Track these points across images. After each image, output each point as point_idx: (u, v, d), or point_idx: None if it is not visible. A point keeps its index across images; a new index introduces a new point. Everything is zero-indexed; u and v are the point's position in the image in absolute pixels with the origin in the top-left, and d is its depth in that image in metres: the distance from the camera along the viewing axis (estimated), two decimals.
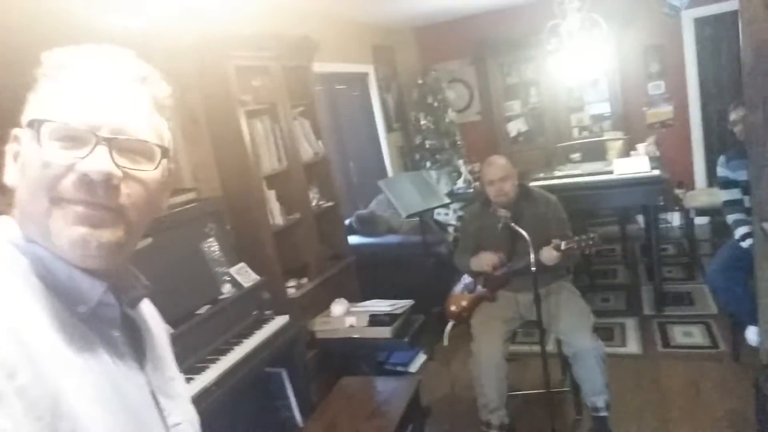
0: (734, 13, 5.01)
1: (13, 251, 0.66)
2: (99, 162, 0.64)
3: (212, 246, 2.67)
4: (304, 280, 3.28)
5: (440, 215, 4.97)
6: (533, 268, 2.45)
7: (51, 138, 0.65)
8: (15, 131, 0.70)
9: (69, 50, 0.70)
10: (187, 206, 2.56)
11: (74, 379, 0.62)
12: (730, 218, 3.19)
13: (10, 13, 2.09)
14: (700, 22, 5.46)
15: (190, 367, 2.13)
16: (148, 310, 0.85)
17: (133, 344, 0.75)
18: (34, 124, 0.65)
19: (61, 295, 0.66)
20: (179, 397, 0.81)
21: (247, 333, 2.48)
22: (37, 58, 0.70)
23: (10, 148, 0.70)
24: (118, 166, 0.66)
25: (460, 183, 5.46)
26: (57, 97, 0.67)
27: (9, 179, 0.69)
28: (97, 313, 0.68)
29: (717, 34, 5.54)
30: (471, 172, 5.47)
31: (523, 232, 2.48)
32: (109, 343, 0.70)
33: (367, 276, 3.79)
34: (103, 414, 0.64)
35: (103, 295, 0.68)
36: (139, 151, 0.69)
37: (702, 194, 4.77)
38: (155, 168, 0.70)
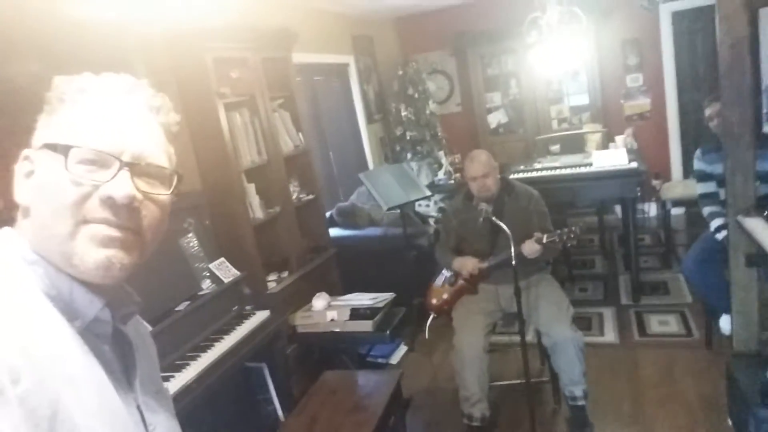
0: (711, 8, 5.06)
1: (20, 264, 0.69)
2: (122, 186, 0.69)
3: (191, 241, 2.64)
4: (285, 274, 3.27)
5: (421, 206, 4.98)
6: (513, 262, 2.47)
7: (76, 161, 0.68)
8: (26, 152, 0.73)
9: (87, 77, 0.74)
10: (170, 201, 2.52)
11: (73, 390, 0.64)
12: (706, 210, 3.25)
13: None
14: (678, 16, 5.53)
15: (170, 365, 2.11)
16: (137, 325, 0.87)
17: (123, 359, 0.78)
18: (59, 148, 0.68)
19: (61, 309, 0.68)
20: (164, 412, 0.84)
21: (227, 329, 2.46)
22: (42, 78, 0.73)
23: (21, 168, 0.73)
24: (138, 189, 0.70)
25: (440, 174, 5.47)
26: (78, 121, 0.71)
27: (21, 197, 0.72)
28: (90, 328, 0.71)
29: (693, 27, 5.61)
30: (452, 164, 5.49)
31: (504, 227, 2.50)
32: (101, 357, 0.72)
33: (348, 269, 3.79)
34: (98, 426, 0.66)
35: (100, 311, 0.72)
36: (155, 175, 0.74)
37: (678, 186, 4.85)
38: (170, 192, 0.76)
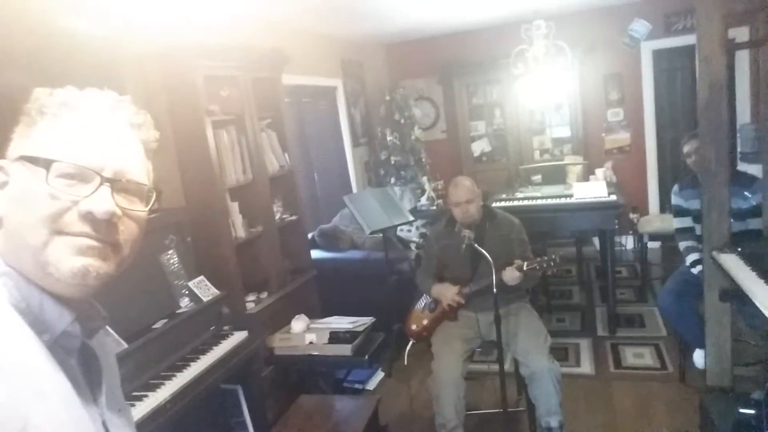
0: (690, 47, 5.25)
1: None
2: (102, 202, 0.69)
3: (172, 258, 2.61)
4: (264, 295, 3.24)
5: (403, 231, 4.99)
6: (494, 289, 2.49)
7: (56, 175, 0.69)
8: (0, 162, 0.73)
9: (70, 91, 0.75)
10: (148, 216, 2.50)
11: (43, 405, 0.64)
12: (682, 245, 3.32)
13: None
14: (658, 54, 5.71)
15: (144, 384, 2.07)
16: (103, 340, 0.86)
17: (88, 375, 0.78)
18: (40, 162, 0.68)
19: (29, 322, 0.68)
20: (126, 427, 0.83)
21: (204, 349, 2.43)
22: (24, 89, 0.73)
23: None
24: (117, 205, 0.71)
25: (423, 200, 5.50)
26: (60, 135, 0.71)
27: None
28: (59, 342, 0.71)
29: (673, 65, 5.80)
30: (435, 190, 5.53)
31: (486, 254, 2.52)
32: (68, 371, 0.71)
33: (328, 291, 3.77)
34: None
35: (69, 324, 0.71)
36: (134, 192, 0.75)
37: (655, 220, 4.95)
38: (147, 208, 0.77)
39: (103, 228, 0.70)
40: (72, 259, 0.68)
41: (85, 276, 0.69)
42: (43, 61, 2.17)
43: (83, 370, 0.76)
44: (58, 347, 0.70)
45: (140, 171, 0.76)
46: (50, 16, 2.29)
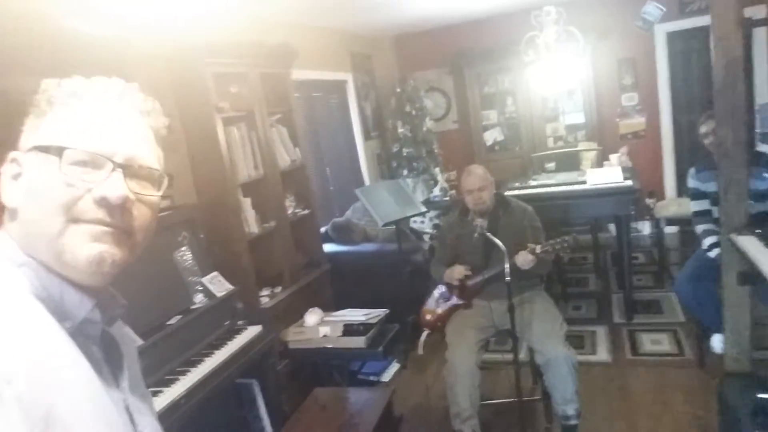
0: (705, 28, 5.15)
1: (8, 266, 0.69)
2: (116, 187, 0.70)
3: (185, 255, 2.64)
4: (278, 289, 3.26)
5: (416, 223, 4.99)
6: (508, 278, 2.48)
7: (68, 162, 0.69)
8: (13, 154, 0.74)
9: (78, 80, 0.75)
10: (161, 214, 2.52)
11: (66, 392, 0.65)
12: (699, 228, 3.26)
13: None
14: (672, 36, 5.60)
15: (159, 380, 2.10)
16: (121, 329, 0.87)
17: (110, 361, 0.78)
18: (52, 150, 0.70)
19: (51, 310, 0.68)
20: (150, 415, 0.84)
21: (218, 344, 2.45)
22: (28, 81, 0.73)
23: (7, 170, 0.74)
24: (130, 190, 0.72)
25: (436, 191, 5.49)
26: (70, 124, 0.72)
27: (9, 199, 0.73)
28: (80, 329, 0.72)
29: (688, 47, 5.68)
30: (447, 181, 5.52)
31: (499, 242, 2.51)
32: (90, 358, 0.72)
33: (342, 284, 3.78)
34: (90, 426, 0.66)
35: (90, 311, 0.72)
36: (146, 177, 0.76)
37: (672, 204, 4.87)
38: (160, 193, 0.77)
39: (118, 213, 0.71)
40: (88, 246, 0.69)
41: (101, 263, 0.70)
42: (53, 61, 2.20)
43: (105, 357, 0.77)
44: (79, 334, 0.71)
45: (151, 156, 0.77)
46: (57, 16, 2.33)
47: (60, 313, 0.69)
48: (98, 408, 0.69)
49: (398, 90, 5.59)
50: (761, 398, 2.24)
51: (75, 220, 0.69)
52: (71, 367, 0.67)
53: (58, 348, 0.67)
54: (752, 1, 4.59)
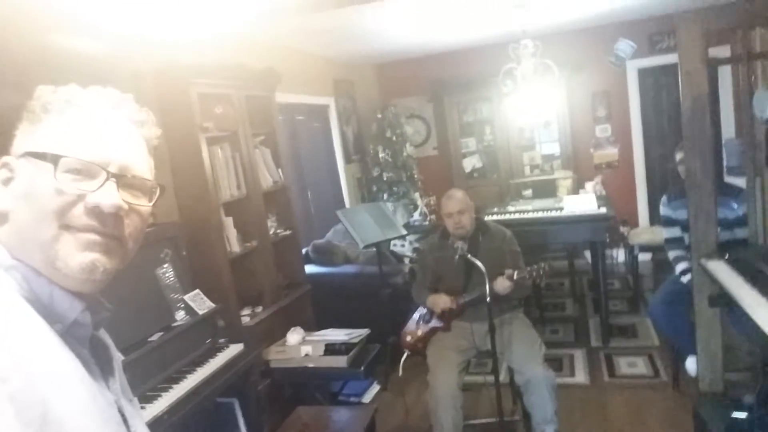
0: (674, 66, 5.34)
1: None
2: (109, 196, 0.71)
3: (167, 272, 2.63)
4: (260, 309, 3.25)
5: (396, 246, 5.02)
6: (488, 299, 2.52)
7: (63, 170, 0.70)
8: (5, 159, 0.74)
9: (74, 89, 0.76)
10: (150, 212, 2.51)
11: (60, 390, 0.65)
12: (671, 255, 3.37)
13: None
14: (643, 72, 5.84)
15: (141, 396, 2.06)
16: (105, 335, 0.88)
17: (100, 363, 0.79)
18: (48, 157, 0.70)
19: (41, 312, 0.69)
20: (139, 419, 0.85)
21: (200, 361, 2.43)
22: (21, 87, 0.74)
23: None
24: (123, 200, 0.73)
25: (416, 215, 5.55)
26: (65, 131, 0.73)
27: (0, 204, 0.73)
28: (70, 331, 0.72)
29: (658, 83, 5.93)
30: (427, 205, 5.58)
31: (479, 264, 2.56)
32: (81, 359, 0.72)
33: (323, 306, 3.78)
34: (88, 424, 0.67)
35: (80, 314, 0.72)
36: (138, 187, 0.77)
37: (645, 232, 5.01)
38: (151, 203, 0.78)
39: (110, 222, 0.71)
40: (80, 255, 0.70)
41: (93, 271, 0.71)
42: (43, 72, 2.21)
43: (95, 359, 0.77)
44: (69, 336, 0.71)
45: (144, 167, 0.78)
46: (48, 34, 2.35)
47: (50, 315, 0.69)
48: (92, 405, 0.69)
49: (379, 116, 5.68)
50: (735, 417, 2.30)
51: (67, 227, 0.70)
52: (63, 366, 0.68)
53: (49, 347, 0.67)
54: (717, 41, 4.83)
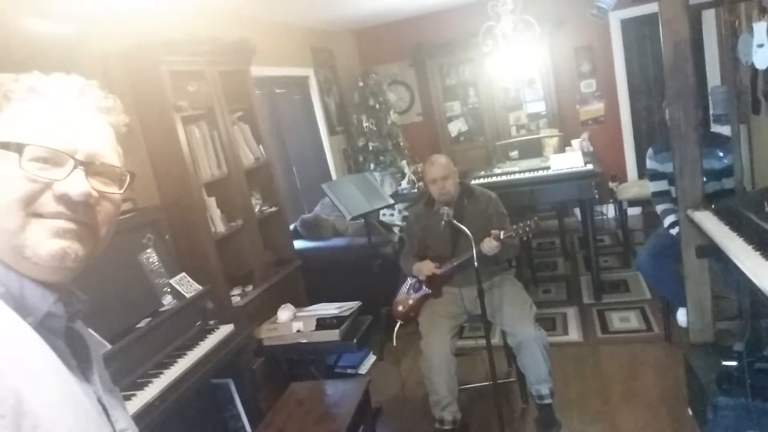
0: (657, 15, 5.29)
1: None
2: (78, 184, 0.69)
3: (151, 257, 2.60)
4: (249, 288, 3.23)
5: (385, 216, 5.00)
6: (475, 263, 2.50)
7: (28, 158, 0.68)
8: None
9: (37, 76, 0.74)
10: (123, 216, 2.47)
11: (34, 382, 0.64)
12: (659, 208, 3.36)
13: None
14: (626, 23, 5.74)
15: (131, 383, 2.06)
16: (84, 328, 0.87)
17: (77, 356, 0.78)
18: (12, 146, 0.68)
19: (12, 306, 0.68)
20: (121, 409, 0.84)
21: (190, 344, 2.42)
22: None
23: None
24: (92, 188, 0.71)
25: (404, 184, 5.51)
26: (29, 120, 0.71)
27: None
28: (44, 324, 0.71)
29: (642, 34, 5.83)
30: (414, 173, 5.54)
31: (465, 229, 2.53)
32: (57, 352, 0.71)
33: (314, 280, 3.77)
34: (63, 415, 0.66)
35: (52, 305, 0.72)
36: (108, 174, 0.75)
37: (633, 186, 5.00)
38: (122, 191, 0.77)
39: (80, 210, 0.70)
40: (50, 242, 0.68)
41: (64, 258, 0.69)
42: (5, 57, 2.13)
43: (72, 351, 0.76)
44: (43, 329, 0.70)
45: (112, 154, 0.76)
46: (9, 13, 2.25)
47: (21, 308, 0.68)
48: (69, 397, 0.68)
49: (361, 84, 5.58)
50: (725, 366, 2.32)
51: (35, 215, 0.68)
52: (37, 358, 0.66)
53: (22, 339, 0.66)
54: None
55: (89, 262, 0.74)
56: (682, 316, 3.24)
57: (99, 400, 0.77)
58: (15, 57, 2.18)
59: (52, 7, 2.50)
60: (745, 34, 2.67)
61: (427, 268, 2.88)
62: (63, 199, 0.68)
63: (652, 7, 5.38)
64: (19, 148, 0.68)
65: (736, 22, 3.39)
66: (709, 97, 5.36)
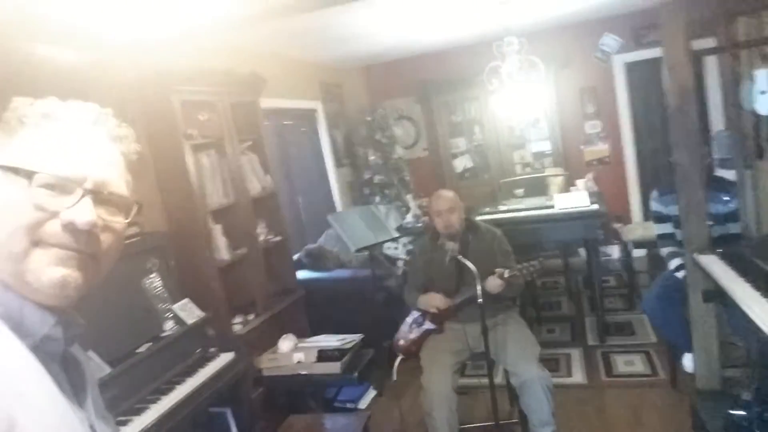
0: (660, 59, 5.39)
1: None
2: (84, 213, 0.69)
3: (154, 282, 2.59)
4: (251, 316, 3.20)
5: (389, 249, 4.99)
6: (480, 299, 2.49)
7: (37, 185, 0.68)
8: None
9: (52, 102, 0.75)
10: (129, 241, 2.48)
11: (28, 406, 0.63)
12: (664, 251, 3.34)
13: None
14: (630, 66, 5.83)
15: (129, 408, 2.03)
16: (81, 352, 0.86)
17: (72, 381, 0.77)
18: (22, 172, 0.68)
19: (10, 327, 0.67)
20: None
21: (190, 371, 2.39)
22: None
23: None
24: (98, 216, 0.71)
25: (408, 217, 5.51)
26: (41, 145, 0.71)
27: None
28: (41, 346, 0.70)
29: (646, 77, 5.92)
30: (419, 207, 5.54)
31: (470, 265, 2.53)
32: (52, 375, 0.70)
33: (316, 311, 3.74)
34: None
35: (51, 328, 0.71)
36: (115, 203, 0.75)
37: (638, 228, 4.99)
38: (128, 220, 0.77)
39: (84, 239, 0.70)
40: (52, 270, 0.68)
41: (65, 286, 0.69)
42: (21, 84, 2.17)
43: (67, 376, 0.76)
44: (41, 352, 0.69)
45: (121, 183, 0.77)
46: (30, 43, 2.30)
47: (19, 329, 0.67)
48: (62, 422, 0.68)
49: (368, 118, 5.65)
50: (732, 414, 2.28)
51: (39, 242, 0.68)
52: (33, 381, 0.66)
53: (18, 361, 0.65)
54: (702, 34, 4.82)
55: (90, 290, 0.74)
56: (688, 361, 3.19)
57: (91, 427, 0.76)
58: (30, 80, 2.21)
59: (69, 34, 2.56)
60: (747, 80, 2.71)
61: (437, 299, 2.86)
62: (68, 227, 0.69)
63: (655, 52, 5.50)
64: (28, 175, 0.68)
65: (738, 68, 3.44)
66: (713, 141, 5.41)
